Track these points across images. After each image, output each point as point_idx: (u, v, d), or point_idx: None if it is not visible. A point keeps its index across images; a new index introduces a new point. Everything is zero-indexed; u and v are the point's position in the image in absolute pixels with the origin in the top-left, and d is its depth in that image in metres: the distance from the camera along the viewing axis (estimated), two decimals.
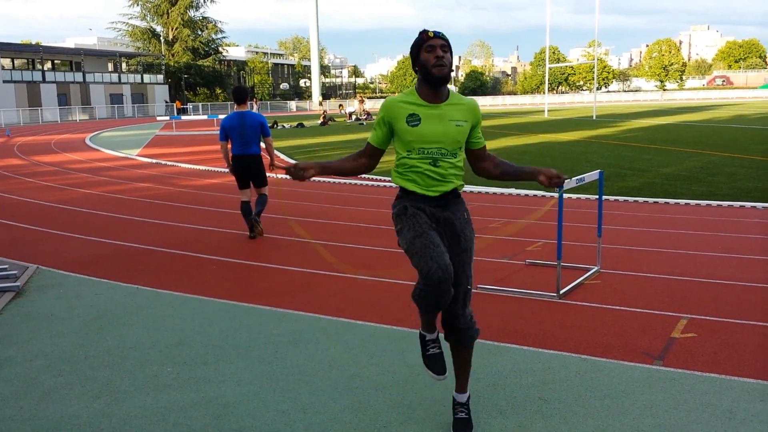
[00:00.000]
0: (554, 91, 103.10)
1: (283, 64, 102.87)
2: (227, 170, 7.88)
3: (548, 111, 44.34)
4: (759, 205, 9.38)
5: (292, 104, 77.14)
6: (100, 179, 14.09)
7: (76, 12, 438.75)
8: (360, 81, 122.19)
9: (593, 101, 43.00)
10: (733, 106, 54.91)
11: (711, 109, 47.16)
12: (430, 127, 2.84)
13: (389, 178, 12.89)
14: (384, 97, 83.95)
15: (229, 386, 3.62)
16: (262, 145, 7.64)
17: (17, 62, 58.50)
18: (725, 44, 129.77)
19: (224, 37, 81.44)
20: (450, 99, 2.91)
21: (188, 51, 73.35)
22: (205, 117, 37.20)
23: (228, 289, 5.58)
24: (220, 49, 79.95)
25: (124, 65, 68.14)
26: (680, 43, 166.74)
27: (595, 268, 5.85)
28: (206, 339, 4.36)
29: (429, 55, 2.83)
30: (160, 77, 68.81)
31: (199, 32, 75.96)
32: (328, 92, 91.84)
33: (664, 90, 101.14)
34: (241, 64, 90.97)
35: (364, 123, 37.77)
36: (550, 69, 62.88)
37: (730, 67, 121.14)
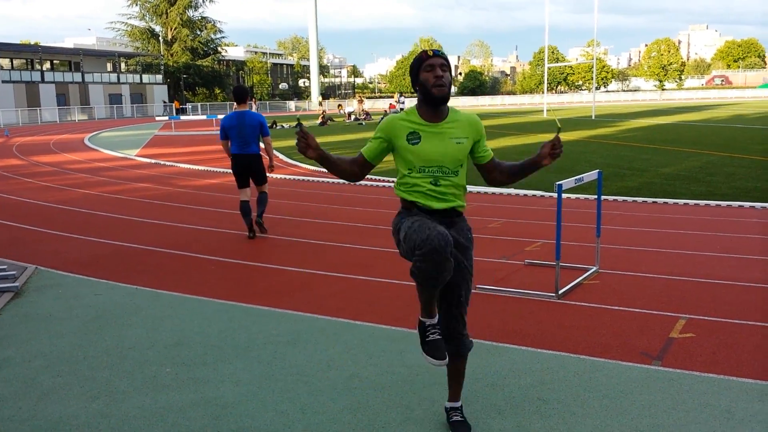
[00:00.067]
0: (553, 91, 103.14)
1: (282, 64, 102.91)
2: (230, 170, 7.88)
3: (546, 111, 44.36)
4: (758, 204, 9.38)
5: (291, 104, 77.13)
6: (99, 179, 14.08)
7: (75, 12, 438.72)
8: (359, 81, 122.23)
9: (592, 101, 43.00)
10: (731, 105, 54.94)
11: (710, 109, 47.19)
12: (430, 146, 2.84)
13: (388, 178, 12.86)
14: (383, 97, 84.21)
15: (228, 386, 3.62)
16: (262, 144, 7.65)
17: (16, 62, 58.45)
18: (724, 44, 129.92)
19: (223, 37, 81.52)
20: (450, 117, 2.91)
21: (187, 51, 73.31)
22: (204, 117, 37.19)
23: (227, 289, 5.58)
24: (219, 49, 79.92)
25: (123, 65, 68.09)
26: (679, 42, 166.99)
27: (594, 268, 5.85)
28: (205, 339, 4.36)
29: (428, 75, 2.83)
30: (159, 77, 68.77)
31: (198, 32, 75.93)
32: (327, 92, 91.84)
33: (663, 90, 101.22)
34: (240, 64, 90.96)
35: (363, 123, 37.75)
36: (549, 69, 62.87)
37: (728, 66, 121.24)
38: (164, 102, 64.50)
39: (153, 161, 17.98)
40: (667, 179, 12.19)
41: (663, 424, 3.10)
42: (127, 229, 8.35)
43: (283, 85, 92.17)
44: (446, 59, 2.88)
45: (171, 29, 73.00)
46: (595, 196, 6.22)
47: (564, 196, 7.98)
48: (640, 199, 9.97)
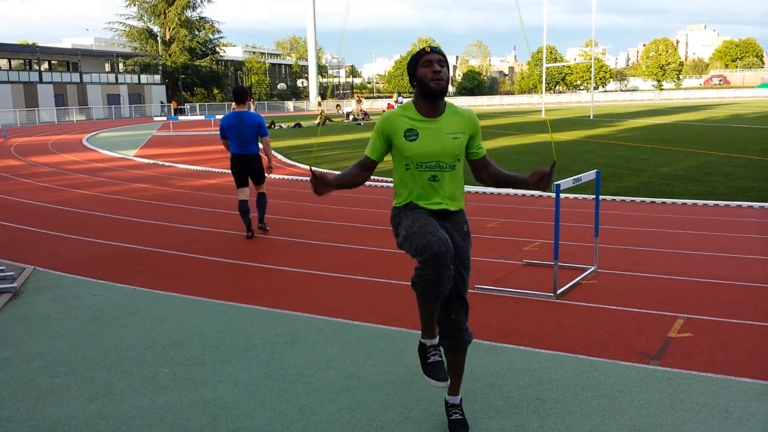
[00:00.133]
0: (551, 91, 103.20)
1: (280, 64, 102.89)
2: (228, 170, 7.88)
3: (545, 111, 44.38)
4: (756, 204, 9.39)
5: (290, 104, 77.11)
6: (97, 180, 14.07)
7: (73, 12, 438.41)
8: (357, 81, 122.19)
9: (590, 101, 43.01)
10: (729, 105, 55.01)
11: (708, 109, 47.24)
12: (428, 142, 2.86)
13: (387, 178, 12.86)
14: (382, 97, 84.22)
15: (226, 387, 3.62)
16: (261, 144, 7.65)
17: (14, 63, 58.40)
18: (722, 43, 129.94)
19: (221, 37, 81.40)
20: (447, 111, 2.93)
21: (185, 51, 73.25)
22: (202, 117, 37.17)
23: (225, 289, 5.58)
24: (218, 49, 79.85)
25: (121, 66, 68.06)
26: (677, 42, 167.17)
27: (592, 268, 5.86)
28: (203, 340, 4.36)
29: (426, 70, 2.86)
30: (158, 77, 68.71)
31: (196, 32, 75.87)
32: (325, 92, 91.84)
33: (661, 89, 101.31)
34: (238, 65, 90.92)
35: (362, 123, 37.74)
36: (547, 69, 62.88)
37: (726, 66, 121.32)
38: (162, 102, 64.44)
39: (151, 162, 17.96)
40: (665, 179, 12.20)
41: (661, 424, 3.10)
42: (125, 229, 8.34)
43: (281, 86, 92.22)
44: (444, 56, 2.90)
45: (169, 29, 72.95)
46: (594, 196, 6.23)
47: (562, 196, 7.99)
48: (638, 199, 9.98)
